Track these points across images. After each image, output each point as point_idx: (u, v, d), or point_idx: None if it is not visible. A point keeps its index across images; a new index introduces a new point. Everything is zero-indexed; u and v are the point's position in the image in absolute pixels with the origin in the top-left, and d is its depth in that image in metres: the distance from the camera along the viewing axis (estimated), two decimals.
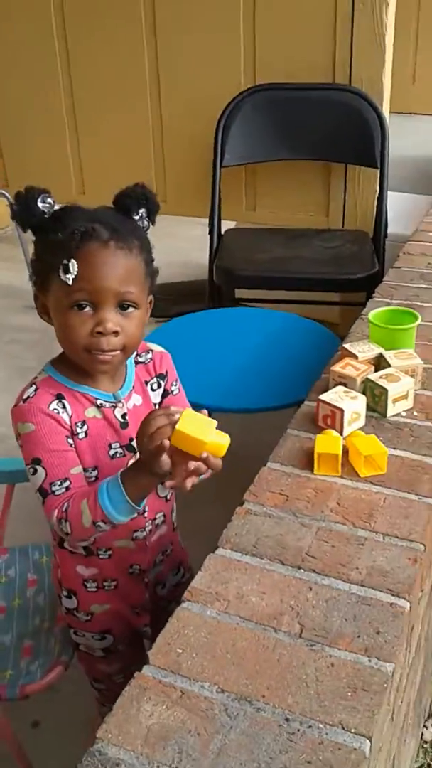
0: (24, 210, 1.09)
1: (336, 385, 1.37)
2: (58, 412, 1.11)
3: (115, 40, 2.82)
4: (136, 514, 1.09)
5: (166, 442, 0.99)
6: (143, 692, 0.88)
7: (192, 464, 1.01)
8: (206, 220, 2.68)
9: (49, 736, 1.63)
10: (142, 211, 1.11)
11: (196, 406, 1.30)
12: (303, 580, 1.03)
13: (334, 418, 1.29)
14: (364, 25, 2.43)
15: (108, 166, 3.05)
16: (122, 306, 1.08)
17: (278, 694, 0.88)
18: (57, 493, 1.09)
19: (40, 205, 1.08)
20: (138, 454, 1.06)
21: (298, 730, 0.84)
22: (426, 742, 1.57)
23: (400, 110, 2.75)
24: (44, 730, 1.65)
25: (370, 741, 0.83)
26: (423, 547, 1.07)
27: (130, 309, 1.09)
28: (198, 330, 2.17)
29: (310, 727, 0.84)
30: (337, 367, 1.39)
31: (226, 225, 2.73)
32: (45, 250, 1.09)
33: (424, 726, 1.59)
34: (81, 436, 1.13)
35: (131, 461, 1.14)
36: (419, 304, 1.76)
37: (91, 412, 1.14)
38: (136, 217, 1.11)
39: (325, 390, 1.37)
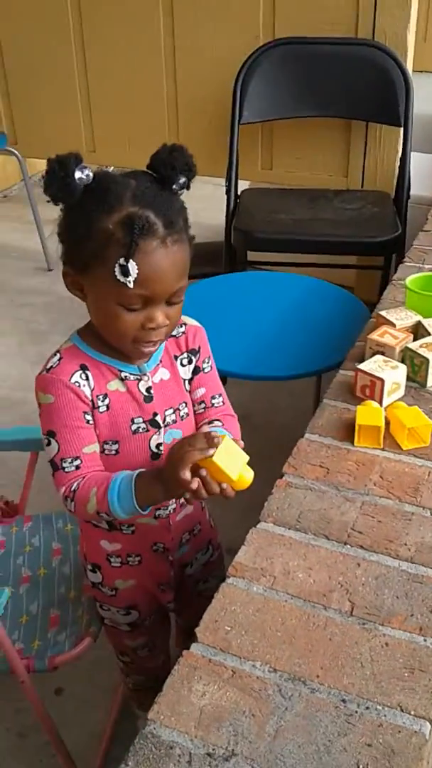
0: (62, 187, 0.98)
1: (373, 354, 1.33)
2: (80, 385, 1.07)
3: None
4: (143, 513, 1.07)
5: (195, 484, 0.97)
6: (193, 671, 0.86)
7: (215, 487, 0.99)
8: (217, 179, 2.61)
9: (72, 703, 1.63)
10: (182, 180, 1.03)
11: (219, 374, 1.25)
12: (350, 556, 1.00)
13: (374, 388, 1.25)
14: None
15: (119, 124, 2.96)
16: (171, 300, 1.04)
17: (333, 674, 0.85)
18: (67, 470, 1.07)
19: (77, 177, 0.97)
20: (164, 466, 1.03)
21: (356, 712, 0.81)
22: None
23: (414, 68, 2.65)
24: (67, 697, 1.64)
25: (431, 723, 0.80)
26: None
27: (178, 300, 1.05)
28: (219, 294, 2.12)
29: (367, 708, 0.82)
30: (374, 335, 1.35)
31: (241, 185, 2.66)
32: (88, 235, 0.99)
33: None
34: (102, 409, 1.09)
35: (153, 438, 1.12)
36: None
37: (114, 385, 1.10)
38: (175, 186, 1.03)
39: (361, 359, 1.33)
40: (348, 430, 1.21)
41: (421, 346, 1.31)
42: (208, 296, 2.11)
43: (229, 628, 0.91)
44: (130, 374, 1.11)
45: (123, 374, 1.10)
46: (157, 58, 2.77)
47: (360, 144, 2.60)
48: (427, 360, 1.28)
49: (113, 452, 1.12)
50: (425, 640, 0.89)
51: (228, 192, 2.54)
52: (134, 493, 1.03)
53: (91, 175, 0.99)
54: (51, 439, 1.07)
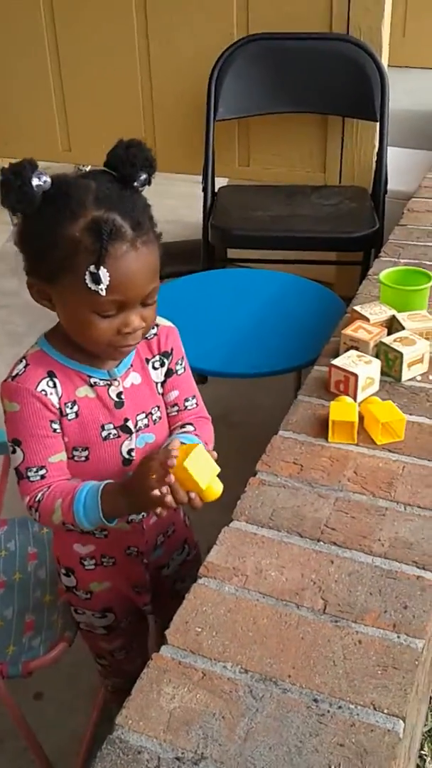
0: (20, 197, 0.93)
1: (348, 349, 1.32)
2: (46, 394, 1.04)
3: None
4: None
5: (169, 498, 0.97)
6: (162, 674, 0.84)
7: (182, 496, 0.98)
8: (194, 177, 2.59)
9: (52, 708, 1.61)
10: (143, 177, 1.00)
11: (195, 371, 1.24)
12: (323, 553, 0.99)
13: (348, 383, 1.24)
14: None
15: (95, 122, 2.93)
16: (145, 302, 1.01)
17: (305, 673, 0.84)
18: (32, 479, 1.06)
19: (35, 184, 0.93)
20: (131, 478, 1.04)
21: (328, 712, 0.80)
22: None
23: (391, 63, 2.64)
24: (47, 701, 1.62)
25: (404, 721, 0.79)
26: None
27: (152, 301, 1.03)
28: (196, 292, 2.10)
29: (340, 708, 0.81)
30: (348, 331, 1.34)
31: (219, 182, 2.64)
32: (53, 244, 0.95)
33: None
34: (71, 417, 1.06)
35: (125, 443, 1.10)
36: (427, 262, 1.70)
37: (83, 391, 1.07)
38: (136, 184, 1.00)
39: (336, 354, 1.32)
40: (322, 426, 1.20)
41: (395, 341, 1.29)
42: (186, 294, 2.10)
43: (200, 630, 0.89)
44: (100, 380, 1.08)
45: (92, 380, 1.07)
46: (131, 56, 2.74)
47: (337, 139, 2.59)
48: (401, 354, 1.27)
49: (83, 458, 1.09)
50: (399, 637, 0.88)
51: (205, 189, 2.52)
52: (100, 506, 1.01)
53: (48, 180, 0.95)
54: (16, 448, 1.06)
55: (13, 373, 1.05)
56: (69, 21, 2.79)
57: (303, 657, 0.86)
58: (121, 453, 1.11)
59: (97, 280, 0.95)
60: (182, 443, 1.01)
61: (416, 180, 2.23)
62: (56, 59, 2.88)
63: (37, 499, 1.05)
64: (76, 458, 1.09)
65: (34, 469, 1.05)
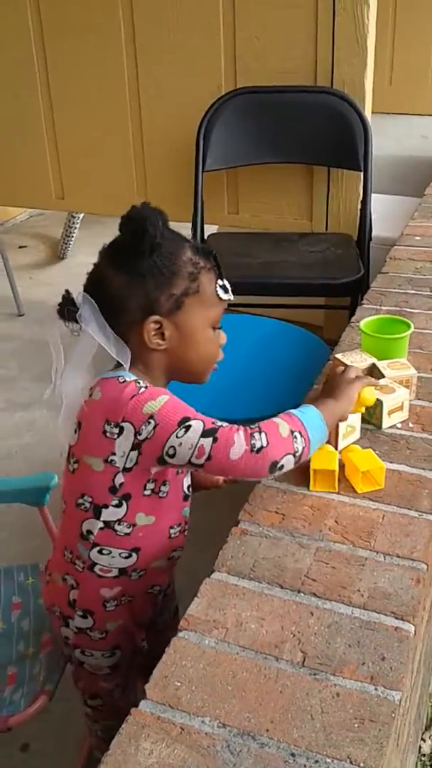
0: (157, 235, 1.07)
1: None
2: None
3: (94, 44, 2.77)
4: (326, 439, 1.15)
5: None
6: (141, 729, 0.85)
7: None
8: (187, 224, 2.64)
9: (40, 760, 1.59)
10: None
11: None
12: (303, 605, 0.99)
13: None
14: (345, 27, 2.41)
15: (87, 171, 3.01)
16: None
17: (283, 727, 0.84)
18: (223, 426, 1.05)
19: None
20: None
21: (305, 766, 0.80)
22: (424, 755, 1.55)
23: (378, 110, 2.72)
24: (34, 753, 1.61)
25: None
26: (425, 566, 1.05)
27: None
28: None
29: (317, 762, 0.81)
30: None
31: (208, 228, 2.70)
32: (176, 273, 1.09)
33: (422, 739, 1.56)
34: None
35: (185, 479, 1.19)
36: (408, 310, 1.74)
37: None
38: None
39: None
40: (304, 475, 1.21)
41: (375, 389, 1.32)
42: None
43: (179, 684, 0.89)
44: None
45: None
46: (122, 106, 2.82)
47: (323, 188, 2.65)
48: (382, 402, 1.29)
49: (164, 494, 1.14)
50: (376, 689, 0.88)
51: (194, 237, 2.57)
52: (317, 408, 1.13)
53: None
54: (189, 423, 1.04)
55: (140, 388, 1.07)
56: (62, 72, 2.87)
57: (281, 711, 0.86)
58: (183, 488, 1.17)
59: (226, 290, 1.15)
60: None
61: (400, 226, 2.28)
62: (49, 110, 2.96)
63: (249, 428, 1.05)
64: (161, 494, 1.13)
65: (218, 422, 1.06)
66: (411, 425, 1.33)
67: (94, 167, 2.98)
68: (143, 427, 1.04)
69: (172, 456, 1.05)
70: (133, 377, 1.10)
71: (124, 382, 1.09)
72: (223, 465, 1.04)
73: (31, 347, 3.17)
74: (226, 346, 2.10)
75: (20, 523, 1.99)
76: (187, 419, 1.05)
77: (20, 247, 4.32)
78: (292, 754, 0.82)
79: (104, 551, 1.15)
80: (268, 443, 1.04)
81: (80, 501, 1.13)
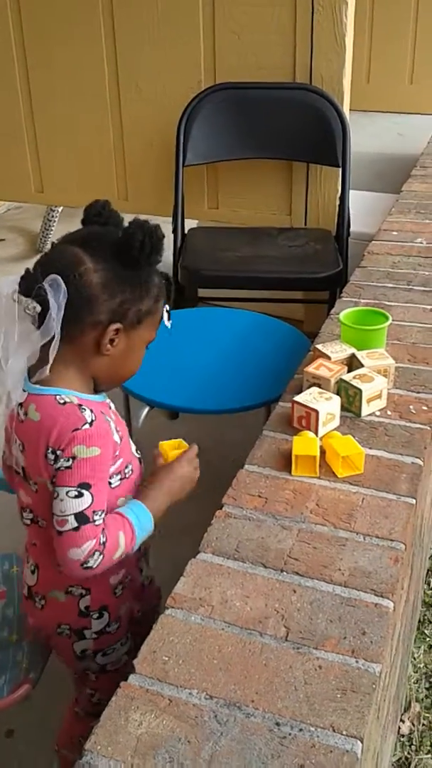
0: (157, 251, 1.12)
1: (310, 386, 1.37)
2: (112, 432, 1.13)
3: (74, 39, 2.78)
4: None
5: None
6: (130, 701, 0.87)
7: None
8: (167, 218, 2.67)
9: (24, 746, 1.61)
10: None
11: (166, 407, 1.34)
12: (286, 583, 1.03)
13: (309, 419, 1.30)
14: (323, 25, 2.44)
15: (67, 165, 3.01)
16: None
17: (267, 698, 0.87)
18: (97, 522, 1.07)
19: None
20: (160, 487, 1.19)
21: (290, 734, 0.84)
22: (403, 736, 1.59)
23: (355, 108, 2.76)
24: (19, 739, 1.62)
25: (362, 742, 0.83)
26: (403, 546, 1.08)
27: None
28: (166, 331, 2.15)
29: (301, 730, 0.84)
30: (310, 368, 1.40)
31: (188, 223, 2.72)
32: (147, 291, 1.14)
33: (401, 720, 1.60)
34: (117, 438, 1.15)
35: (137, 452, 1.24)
36: (386, 303, 1.78)
37: (111, 415, 1.18)
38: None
39: (299, 391, 1.37)
40: (286, 460, 1.25)
41: (354, 378, 1.35)
42: (157, 332, 2.15)
43: (166, 658, 0.92)
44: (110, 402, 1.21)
45: (110, 404, 1.20)
46: (102, 101, 2.83)
47: (302, 184, 2.69)
48: (360, 391, 1.33)
49: (130, 473, 1.20)
50: (357, 662, 0.92)
51: (174, 231, 2.60)
52: (151, 517, 1.15)
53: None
54: (84, 492, 1.06)
55: (87, 420, 1.08)
56: (41, 66, 2.87)
57: (266, 682, 0.89)
58: (139, 460, 1.24)
59: (170, 317, 1.21)
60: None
61: (378, 222, 2.33)
62: (29, 104, 2.96)
63: (102, 541, 1.07)
64: (127, 475, 1.18)
65: (100, 512, 1.08)
66: (389, 413, 1.37)
67: (74, 161, 2.99)
68: (63, 460, 1.07)
69: (52, 499, 1.08)
70: (73, 396, 1.10)
71: (64, 403, 1.09)
72: (59, 550, 1.07)
73: None
74: (206, 338, 2.14)
75: (1, 512, 2.00)
76: (87, 486, 1.06)
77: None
78: (277, 723, 0.85)
79: None
80: (96, 567, 1.08)
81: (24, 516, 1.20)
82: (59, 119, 2.94)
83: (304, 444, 1.23)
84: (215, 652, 0.93)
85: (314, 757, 0.81)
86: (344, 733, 0.84)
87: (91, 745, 0.82)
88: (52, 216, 4.00)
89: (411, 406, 1.39)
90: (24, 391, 1.11)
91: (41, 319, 1.05)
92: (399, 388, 1.44)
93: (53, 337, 1.05)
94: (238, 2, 2.51)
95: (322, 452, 1.24)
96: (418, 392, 1.43)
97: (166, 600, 1.01)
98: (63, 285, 1.04)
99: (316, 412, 1.28)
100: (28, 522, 1.21)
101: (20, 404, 1.12)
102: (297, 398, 1.31)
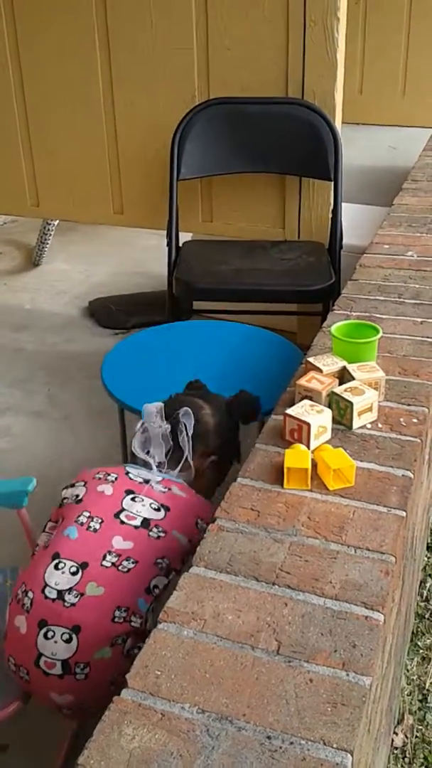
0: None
1: (302, 398, 1.38)
2: None
3: (69, 54, 2.81)
4: None
5: None
6: (123, 716, 0.88)
7: None
8: (162, 232, 2.69)
9: (18, 761, 1.61)
10: None
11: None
12: (278, 596, 1.03)
13: (301, 432, 1.31)
14: (315, 40, 2.47)
15: (62, 180, 3.04)
16: None
17: (259, 712, 0.88)
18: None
19: None
20: None
21: (280, 748, 0.84)
22: (396, 749, 1.59)
23: (348, 120, 2.79)
24: (13, 754, 1.62)
25: (352, 755, 0.84)
26: (394, 558, 1.09)
27: None
28: (160, 343, 2.17)
29: (291, 743, 0.85)
30: (302, 381, 1.41)
31: (183, 236, 2.74)
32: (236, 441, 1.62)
33: (394, 732, 1.61)
34: None
35: None
36: (377, 315, 1.79)
37: None
38: None
39: (291, 404, 1.38)
40: (278, 473, 1.26)
41: (345, 390, 1.37)
42: (152, 344, 2.17)
43: (159, 673, 0.93)
44: None
45: None
46: (97, 117, 2.86)
47: (294, 197, 2.71)
48: (351, 404, 1.34)
49: None
50: (347, 675, 0.92)
51: (169, 244, 2.62)
52: None
53: None
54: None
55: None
56: (37, 81, 2.91)
57: (257, 696, 0.90)
58: None
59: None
60: None
61: (370, 235, 2.34)
62: (24, 118, 2.99)
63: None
64: None
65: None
66: (380, 425, 1.38)
67: (69, 175, 3.02)
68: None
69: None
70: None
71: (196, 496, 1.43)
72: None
73: (6, 353, 3.19)
74: (201, 351, 2.15)
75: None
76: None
77: None
78: (268, 737, 0.85)
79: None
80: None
81: (160, 561, 1.28)
82: (55, 133, 2.97)
83: (295, 457, 1.24)
84: (207, 666, 0.94)
85: None
86: (335, 746, 0.84)
87: (84, 759, 0.83)
88: (48, 229, 4.01)
89: (401, 419, 1.40)
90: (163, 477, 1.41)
91: (168, 437, 1.45)
92: (390, 400, 1.46)
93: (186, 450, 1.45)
94: (232, 17, 2.54)
95: (314, 465, 1.25)
96: (409, 405, 1.44)
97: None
98: (192, 416, 1.47)
99: (308, 425, 1.29)
100: (108, 565, 1.25)
101: (157, 480, 1.40)
102: (289, 411, 1.32)
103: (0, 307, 3.55)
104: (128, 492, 1.35)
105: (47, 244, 4.07)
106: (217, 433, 1.53)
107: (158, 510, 1.33)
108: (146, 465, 1.42)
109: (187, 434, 1.45)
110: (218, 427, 1.53)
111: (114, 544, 1.27)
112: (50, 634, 1.19)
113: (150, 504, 1.34)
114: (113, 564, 1.24)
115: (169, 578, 1.27)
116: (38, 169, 3.08)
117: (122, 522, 1.30)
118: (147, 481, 1.38)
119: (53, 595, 1.22)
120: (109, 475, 1.38)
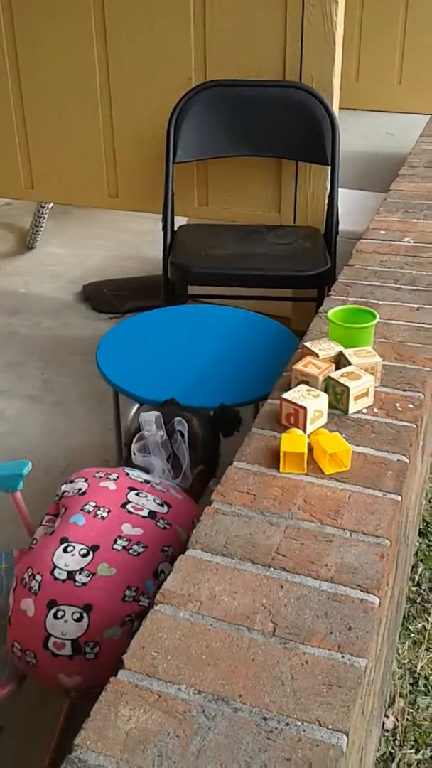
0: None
1: (298, 383, 1.38)
2: None
3: (64, 35, 2.77)
4: None
5: None
6: (120, 697, 0.88)
7: None
8: (157, 215, 2.67)
9: (14, 742, 1.61)
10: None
11: (155, 404, 1.38)
12: (274, 579, 1.04)
13: (297, 416, 1.31)
14: (314, 23, 2.45)
15: (57, 162, 3.01)
16: None
17: (255, 693, 0.89)
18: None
19: None
20: None
21: (276, 729, 0.85)
22: (387, 731, 1.61)
23: (344, 106, 2.77)
24: (9, 735, 1.63)
25: (347, 736, 0.84)
26: (389, 542, 1.10)
27: None
28: (156, 328, 2.17)
29: (287, 725, 0.85)
30: (299, 366, 1.41)
31: (178, 220, 2.73)
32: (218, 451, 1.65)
33: (385, 715, 1.62)
34: None
35: None
36: (374, 301, 1.79)
37: None
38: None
39: (288, 388, 1.38)
40: (274, 457, 1.26)
41: (342, 375, 1.37)
42: (147, 328, 2.16)
43: (155, 654, 0.93)
44: None
45: None
46: (92, 99, 2.83)
47: (291, 181, 2.70)
48: (348, 388, 1.34)
49: None
50: (343, 657, 0.93)
51: (164, 228, 2.60)
52: None
53: None
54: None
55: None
56: (31, 63, 2.87)
57: (253, 677, 0.90)
58: None
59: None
60: None
61: (366, 220, 2.34)
62: (19, 100, 2.96)
63: None
64: None
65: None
66: (376, 410, 1.39)
67: (64, 158, 2.99)
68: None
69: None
70: None
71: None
72: None
73: (1, 337, 3.18)
74: (196, 335, 2.15)
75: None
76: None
77: None
78: (264, 718, 0.86)
79: None
80: None
81: (166, 549, 1.28)
82: (49, 116, 2.94)
83: (292, 441, 1.24)
84: (204, 648, 0.94)
85: (300, 751, 0.82)
86: (330, 727, 0.85)
87: (81, 740, 0.83)
88: (42, 213, 3.99)
89: (397, 404, 1.40)
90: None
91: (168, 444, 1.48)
92: (386, 386, 1.46)
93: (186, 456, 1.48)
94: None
95: (310, 449, 1.26)
96: (405, 390, 1.45)
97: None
98: (186, 425, 1.50)
99: (305, 409, 1.29)
100: (119, 549, 1.25)
101: (158, 483, 1.42)
102: (285, 395, 1.32)
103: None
104: (131, 488, 1.36)
105: (41, 227, 4.05)
106: (204, 444, 1.56)
107: (162, 506, 1.34)
108: (146, 470, 1.44)
109: (184, 442, 1.47)
110: (205, 439, 1.57)
111: (124, 530, 1.27)
112: (60, 614, 1.19)
113: (153, 499, 1.35)
114: (124, 548, 1.25)
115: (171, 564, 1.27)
116: (33, 152, 3.05)
117: (129, 512, 1.30)
118: (147, 482, 1.39)
119: (63, 576, 1.22)
120: (110, 474, 1.39)
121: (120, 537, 1.26)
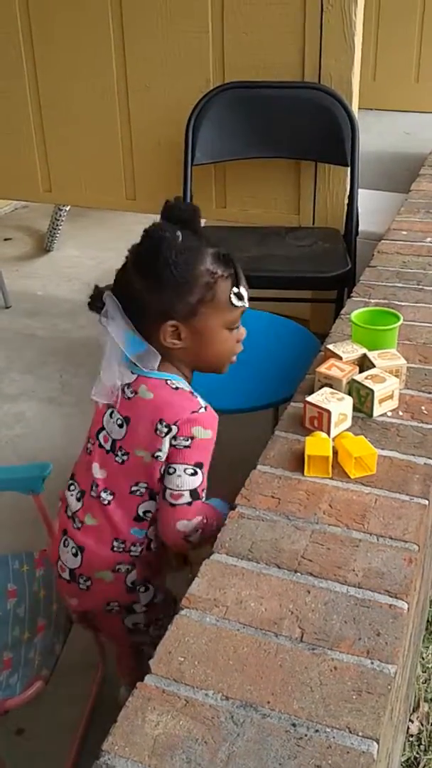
0: (176, 251, 1.15)
1: (322, 386, 1.37)
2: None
3: (82, 39, 2.78)
4: None
5: None
6: (147, 702, 0.88)
7: None
8: None
9: (34, 743, 1.61)
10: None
11: None
12: (300, 584, 1.03)
13: (321, 419, 1.30)
14: (333, 23, 2.44)
15: (75, 164, 3.02)
16: None
17: (283, 699, 0.88)
18: (203, 500, 1.22)
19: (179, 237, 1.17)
20: None
21: (306, 735, 0.84)
22: (412, 736, 1.59)
23: (362, 106, 2.76)
24: (29, 737, 1.63)
25: (378, 743, 0.83)
26: (417, 547, 1.08)
27: None
28: None
29: (317, 731, 0.84)
30: (322, 368, 1.40)
31: None
32: (192, 282, 1.17)
33: (410, 720, 1.61)
34: None
35: None
36: (396, 302, 1.78)
37: None
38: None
39: (311, 391, 1.38)
40: (298, 461, 1.25)
41: (366, 378, 1.35)
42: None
43: (182, 659, 0.93)
44: None
45: None
46: (111, 102, 2.84)
47: (310, 183, 2.68)
48: (372, 391, 1.33)
49: None
50: (372, 663, 0.92)
51: None
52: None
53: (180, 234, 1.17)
54: (198, 471, 1.21)
55: (202, 405, 1.22)
56: (50, 66, 2.88)
57: (281, 683, 0.89)
58: None
59: (240, 297, 1.23)
60: None
61: (387, 221, 2.33)
62: (37, 103, 2.97)
63: (205, 520, 1.22)
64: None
65: (204, 491, 1.22)
66: (401, 413, 1.37)
67: (82, 160, 3.00)
68: (182, 439, 1.19)
69: (167, 474, 1.21)
70: (185, 385, 1.24)
71: (177, 389, 1.22)
72: (168, 520, 1.21)
73: (19, 339, 3.19)
74: None
75: (9, 513, 2.01)
76: (201, 466, 1.21)
77: (5, 239, 4.31)
78: (293, 724, 0.85)
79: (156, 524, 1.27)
80: (195, 542, 1.22)
81: (135, 488, 1.24)
82: (67, 118, 2.95)
83: (316, 444, 1.23)
84: (231, 653, 0.93)
85: (331, 758, 0.81)
86: (360, 734, 0.84)
87: (108, 745, 0.82)
88: (60, 215, 4.00)
89: (423, 407, 1.39)
90: (133, 373, 1.23)
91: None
92: (410, 388, 1.44)
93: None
94: (247, 0, 2.51)
95: (335, 453, 1.25)
96: (430, 393, 1.43)
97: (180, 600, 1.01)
98: (111, 295, 1.20)
99: (329, 412, 1.28)
100: (93, 496, 1.27)
101: (128, 384, 1.23)
102: (309, 398, 1.31)
103: (12, 293, 3.54)
104: (109, 407, 1.26)
105: (59, 230, 4.06)
106: (155, 292, 1.18)
107: (121, 426, 1.23)
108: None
109: (121, 314, 1.19)
110: (151, 286, 1.18)
111: (94, 473, 1.28)
112: (66, 543, 1.30)
113: (116, 420, 1.24)
114: (96, 496, 1.27)
115: (156, 500, 1.25)
116: (50, 155, 3.06)
117: (100, 445, 1.28)
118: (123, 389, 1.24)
119: (69, 513, 1.32)
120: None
121: (94, 482, 1.27)
